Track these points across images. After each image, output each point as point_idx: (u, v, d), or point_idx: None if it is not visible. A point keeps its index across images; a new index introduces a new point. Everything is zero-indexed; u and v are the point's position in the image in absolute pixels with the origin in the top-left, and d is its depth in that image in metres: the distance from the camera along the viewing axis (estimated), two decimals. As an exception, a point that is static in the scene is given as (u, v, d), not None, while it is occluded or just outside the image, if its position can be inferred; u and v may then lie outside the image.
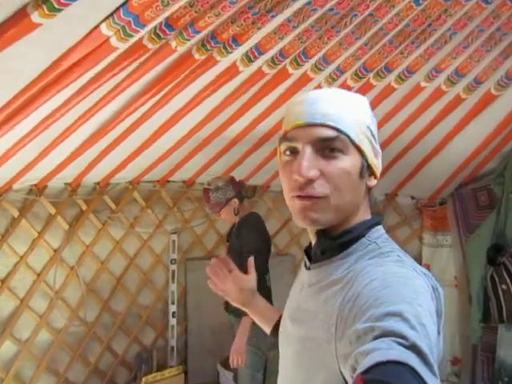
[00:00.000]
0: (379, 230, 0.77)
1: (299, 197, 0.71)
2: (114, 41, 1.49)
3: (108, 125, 2.12)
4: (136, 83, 1.84)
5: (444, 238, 3.44)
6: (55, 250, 2.78)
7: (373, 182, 0.77)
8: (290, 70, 1.93)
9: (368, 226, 0.76)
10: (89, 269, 2.96)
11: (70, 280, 2.85)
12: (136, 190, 3.01)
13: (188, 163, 2.85)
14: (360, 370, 0.48)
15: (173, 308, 3.25)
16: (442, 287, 0.69)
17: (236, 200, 2.39)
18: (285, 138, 0.74)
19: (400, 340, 0.49)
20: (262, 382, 2.30)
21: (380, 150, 0.77)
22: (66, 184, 2.74)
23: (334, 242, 0.74)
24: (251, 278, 1.12)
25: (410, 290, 0.59)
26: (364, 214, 0.77)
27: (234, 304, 1.12)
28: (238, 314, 2.30)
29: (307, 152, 0.69)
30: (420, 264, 0.71)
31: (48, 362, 2.82)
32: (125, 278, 3.11)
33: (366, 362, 0.48)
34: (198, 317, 3.32)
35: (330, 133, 0.69)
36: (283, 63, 1.89)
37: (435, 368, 0.49)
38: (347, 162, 0.70)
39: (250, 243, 2.29)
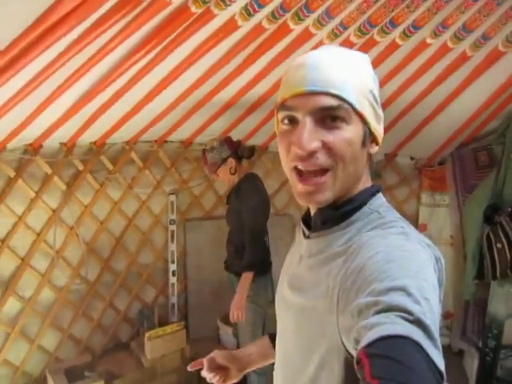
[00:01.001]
0: (380, 198, 0.76)
1: (303, 181, 0.69)
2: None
3: (103, 82, 2.07)
4: (130, 38, 1.78)
5: (441, 197, 3.49)
6: (54, 211, 2.79)
7: (374, 148, 0.75)
8: (291, 26, 1.87)
9: (369, 193, 0.75)
10: (88, 229, 2.99)
11: (70, 240, 2.89)
12: (133, 150, 2.99)
13: (185, 123, 2.81)
14: (363, 343, 0.48)
15: (173, 267, 3.33)
16: (439, 245, 0.70)
17: (232, 160, 2.40)
18: (283, 106, 0.70)
19: (404, 314, 0.49)
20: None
21: (382, 114, 0.74)
22: (61, 144, 2.70)
23: (336, 212, 0.73)
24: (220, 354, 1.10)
25: (414, 264, 0.59)
26: (365, 182, 0.76)
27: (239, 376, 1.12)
28: (238, 272, 2.37)
29: (308, 123, 0.66)
30: (417, 223, 0.72)
31: (52, 318, 2.92)
32: (124, 238, 3.16)
33: (370, 336, 0.48)
34: (198, 275, 3.42)
35: (333, 102, 0.66)
36: (284, 18, 1.83)
37: (438, 342, 0.49)
38: (350, 132, 0.68)
39: (249, 203, 2.33)
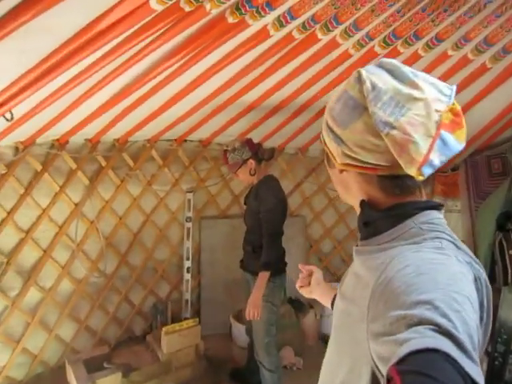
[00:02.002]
0: (429, 215, 0.75)
1: None
2: (153, 3, 1.53)
3: (133, 85, 2.18)
4: (164, 45, 1.88)
5: (454, 203, 3.58)
6: (76, 204, 2.91)
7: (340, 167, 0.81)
8: (319, 36, 1.97)
9: (417, 207, 0.75)
10: (108, 223, 3.11)
11: (90, 233, 3.01)
12: (154, 148, 3.10)
13: (206, 124, 2.92)
14: (394, 360, 0.48)
15: (187, 263, 3.45)
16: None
17: (252, 161, 2.49)
18: None
19: (432, 327, 0.50)
20: (275, 335, 2.51)
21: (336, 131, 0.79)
22: (86, 140, 2.82)
23: (378, 214, 0.77)
24: (319, 274, 1.29)
25: (445, 277, 0.59)
26: (417, 196, 0.78)
27: (314, 297, 1.29)
28: (255, 271, 2.48)
29: None
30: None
31: (70, 309, 3.04)
32: (141, 233, 3.28)
33: (399, 352, 0.48)
34: (211, 272, 3.53)
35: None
36: (313, 28, 1.93)
37: (474, 354, 0.48)
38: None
39: (268, 204, 2.42)
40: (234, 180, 3.45)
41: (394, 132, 0.67)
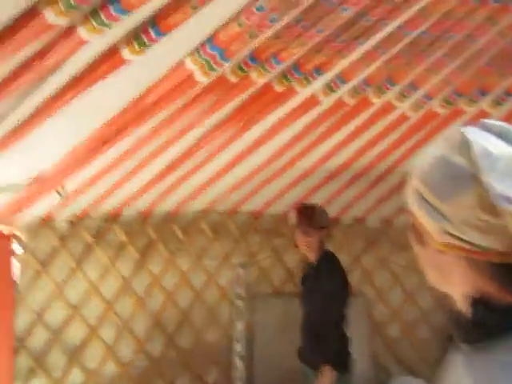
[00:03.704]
0: None
1: None
2: (198, 75, 1.56)
3: (183, 157, 2.21)
4: (213, 115, 1.91)
5: None
6: (125, 279, 2.88)
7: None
8: (373, 100, 1.91)
9: None
10: (156, 300, 3.04)
11: (138, 310, 2.94)
12: (204, 220, 3.08)
13: (257, 194, 2.90)
14: None
15: (238, 347, 3.22)
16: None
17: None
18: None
19: None
20: None
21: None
22: (138, 213, 2.86)
23: (496, 316, 0.62)
24: None
25: None
26: None
27: None
28: (314, 364, 2.21)
29: None
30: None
31: (113, 394, 2.89)
32: (190, 311, 3.16)
33: None
34: (265, 358, 3.27)
35: None
36: (366, 92, 1.88)
37: None
38: None
39: (331, 286, 2.21)
40: (289, 253, 3.29)
41: None
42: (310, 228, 2.25)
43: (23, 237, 2.52)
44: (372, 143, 2.29)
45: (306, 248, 2.34)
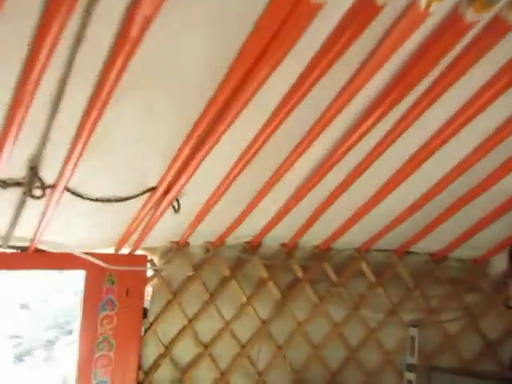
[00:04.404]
0: None
1: None
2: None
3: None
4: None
5: None
6: (263, 322, 2.54)
7: None
8: None
9: None
10: (298, 352, 2.60)
11: (276, 361, 2.55)
12: (364, 260, 2.60)
13: (438, 229, 2.28)
14: None
15: None
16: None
17: None
18: None
19: None
20: None
21: None
22: (281, 244, 2.53)
23: None
24: None
25: None
26: None
27: None
28: None
29: None
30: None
31: None
32: (341, 373, 2.63)
33: None
34: None
35: None
36: None
37: None
38: None
39: None
40: (488, 316, 2.64)
41: None
42: None
43: (157, 262, 2.41)
44: None
45: None
